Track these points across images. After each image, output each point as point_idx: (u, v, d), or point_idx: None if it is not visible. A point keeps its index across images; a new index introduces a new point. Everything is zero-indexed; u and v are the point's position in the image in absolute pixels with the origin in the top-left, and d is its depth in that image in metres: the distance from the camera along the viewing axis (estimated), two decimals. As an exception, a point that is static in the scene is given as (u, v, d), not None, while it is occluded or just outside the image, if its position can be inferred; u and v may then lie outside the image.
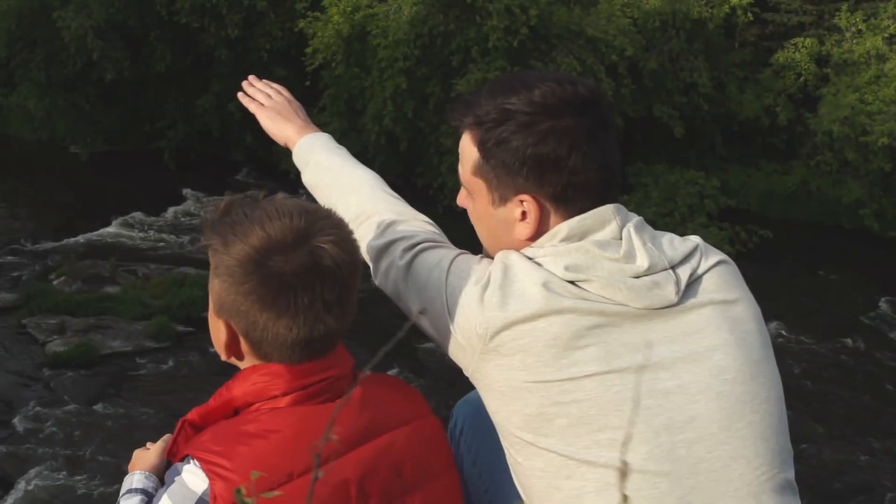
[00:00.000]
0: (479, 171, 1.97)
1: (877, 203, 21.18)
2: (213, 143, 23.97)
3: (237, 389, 1.89)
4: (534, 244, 1.94)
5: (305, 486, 1.78)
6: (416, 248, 2.10)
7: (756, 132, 22.83)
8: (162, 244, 19.09)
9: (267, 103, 2.56)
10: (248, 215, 1.86)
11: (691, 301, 1.90)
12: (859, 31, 22.11)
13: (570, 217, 1.93)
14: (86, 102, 23.38)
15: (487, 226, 2.03)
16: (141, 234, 19.51)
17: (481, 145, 1.95)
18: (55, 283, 17.12)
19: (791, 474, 1.93)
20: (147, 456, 2.09)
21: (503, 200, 1.97)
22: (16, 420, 13.13)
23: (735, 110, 22.46)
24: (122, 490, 1.97)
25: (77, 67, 22.33)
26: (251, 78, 2.63)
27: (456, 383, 2.30)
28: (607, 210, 1.92)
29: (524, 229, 1.96)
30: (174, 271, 16.83)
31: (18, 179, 22.41)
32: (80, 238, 19.32)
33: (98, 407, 13.43)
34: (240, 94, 2.59)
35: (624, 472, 1.80)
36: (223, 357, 1.96)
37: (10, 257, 18.27)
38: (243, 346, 1.91)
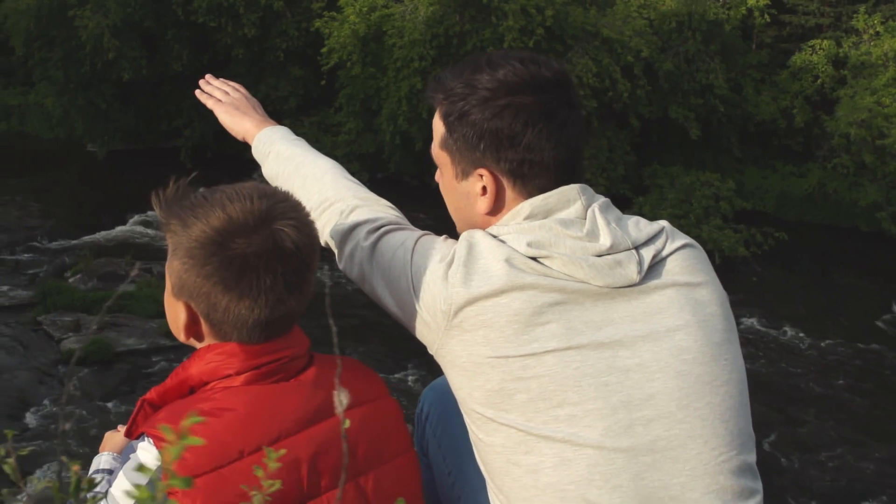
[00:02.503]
0: (444, 145, 2.02)
1: (893, 206, 21.09)
2: (229, 141, 23.76)
3: (193, 368, 1.91)
4: (498, 222, 1.98)
5: (254, 464, 1.77)
6: (381, 230, 2.13)
7: (772, 134, 22.78)
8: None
9: (224, 99, 2.56)
10: (207, 198, 1.87)
11: (654, 282, 1.92)
12: (877, 33, 22.02)
13: (529, 194, 1.97)
14: (103, 101, 23.46)
15: (453, 200, 2.08)
16: (156, 233, 19.55)
17: (445, 118, 2.00)
18: (71, 280, 17.19)
19: (751, 458, 1.94)
20: (116, 438, 2.13)
21: (465, 174, 2.01)
22: (30, 417, 13.19)
23: (751, 112, 22.40)
24: (90, 471, 1.99)
25: (94, 67, 22.41)
26: (208, 76, 2.64)
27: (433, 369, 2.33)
28: (572, 189, 1.95)
29: (483, 204, 2.00)
30: (190, 269, 16.84)
31: (36, 177, 22.51)
32: (96, 236, 19.39)
33: (112, 404, 13.48)
34: (197, 92, 2.60)
35: (580, 447, 1.83)
36: (182, 339, 1.97)
37: (26, 255, 18.36)
38: (203, 327, 1.92)
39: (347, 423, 1.86)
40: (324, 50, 21.56)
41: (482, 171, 1.98)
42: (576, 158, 1.97)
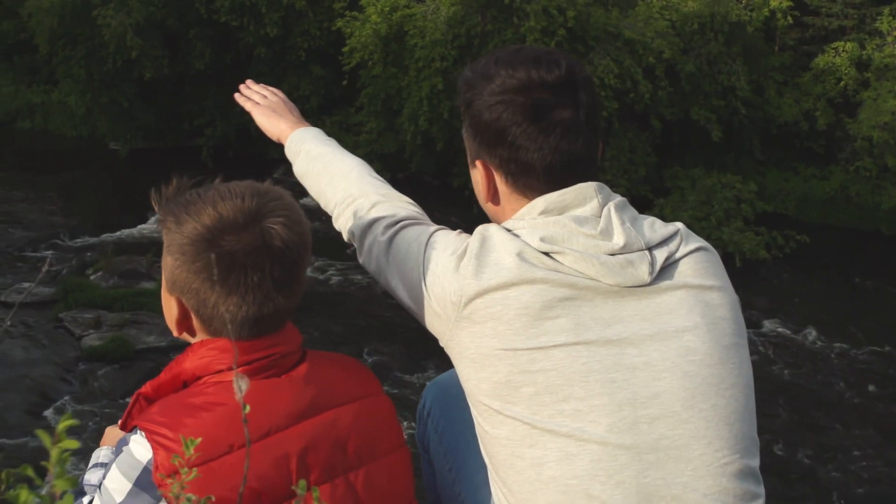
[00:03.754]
0: (463, 131, 2.09)
1: (916, 209, 21.00)
2: (250, 141, 24.06)
3: (186, 363, 1.94)
4: (514, 217, 2.00)
5: (243, 458, 1.82)
6: (397, 225, 2.17)
7: (795, 136, 22.68)
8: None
9: (262, 102, 2.66)
10: (200, 195, 1.91)
11: (666, 283, 1.93)
12: (901, 35, 21.92)
13: (521, 192, 2.00)
14: (125, 100, 23.56)
15: (474, 185, 2.12)
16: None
17: (462, 105, 2.06)
18: (92, 278, 17.28)
19: (754, 463, 1.95)
20: (116, 432, 2.14)
21: (472, 162, 2.07)
22: (50, 413, 13.26)
23: (774, 114, 22.30)
24: (90, 464, 2.01)
25: (117, 65, 22.51)
26: (248, 81, 2.75)
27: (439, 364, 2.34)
28: (588, 187, 1.96)
29: (481, 193, 2.07)
30: (210, 269, 16.88)
31: (59, 175, 22.64)
32: (118, 234, 19.50)
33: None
34: (236, 95, 2.70)
35: (584, 442, 1.84)
36: (175, 333, 2.01)
37: (48, 252, 18.47)
38: (194, 322, 1.96)
39: None
40: (345, 49, 21.59)
41: (479, 162, 2.04)
42: (569, 162, 1.96)
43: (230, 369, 1.91)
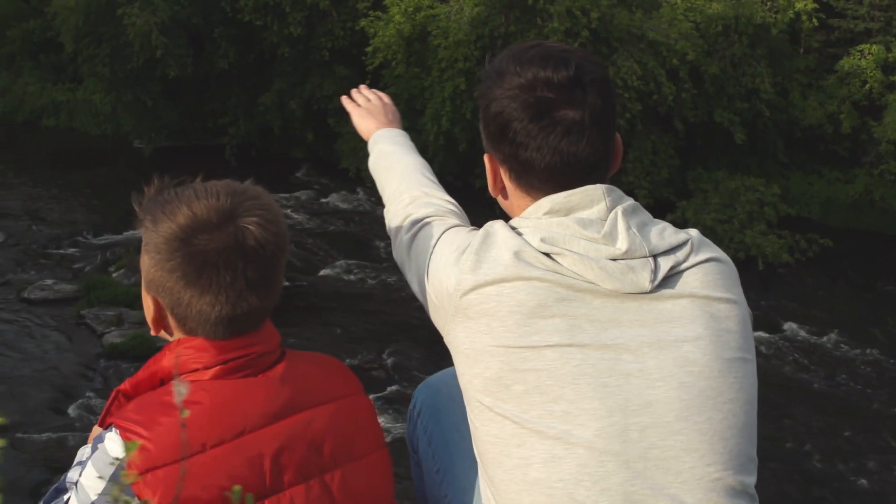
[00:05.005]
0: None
1: (942, 214, 20.85)
2: (274, 140, 24.17)
3: (164, 361, 1.95)
4: (522, 214, 2.00)
5: (216, 457, 1.83)
6: (422, 221, 2.20)
7: (819, 139, 22.55)
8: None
9: (363, 105, 2.76)
10: (177, 195, 1.93)
11: (669, 291, 1.90)
12: (928, 38, 21.78)
13: (525, 191, 2.00)
14: (149, 98, 23.65)
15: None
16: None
17: (476, 99, 2.06)
18: (114, 275, 17.36)
19: (749, 480, 1.91)
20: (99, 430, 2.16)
21: (485, 153, 2.08)
22: (71, 410, 13.33)
23: (798, 117, 22.18)
24: (74, 462, 2.03)
25: (141, 63, 22.60)
26: (361, 87, 2.87)
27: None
28: (597, 189, 1.94)
29: (490, 186, 2.08)
30: (231, 267, 16.95)
31: (83, 173, 22.76)
32: (141, 232, 19.56)
33: (154, 399, 13.59)
34: (343, 98, 2.85)
35: (571, 445, 1.82)
36: (152, 331, 2.03)
37: (71, 249, 18.57)
38: (170, 321, 1.98)
39: None
40: (368, 49, 21.62)
41: (487, 156, 2.06)
42: (571, 163, 1.94)
43: (206, 368, 1.92)
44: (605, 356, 1.85)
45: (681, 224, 19.83)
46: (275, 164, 23.60)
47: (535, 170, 1.95)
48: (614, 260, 1.88)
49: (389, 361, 14.69)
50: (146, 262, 1.94)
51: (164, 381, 1.96)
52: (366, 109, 2.76)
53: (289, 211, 21.23)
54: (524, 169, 1.97)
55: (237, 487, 1.33)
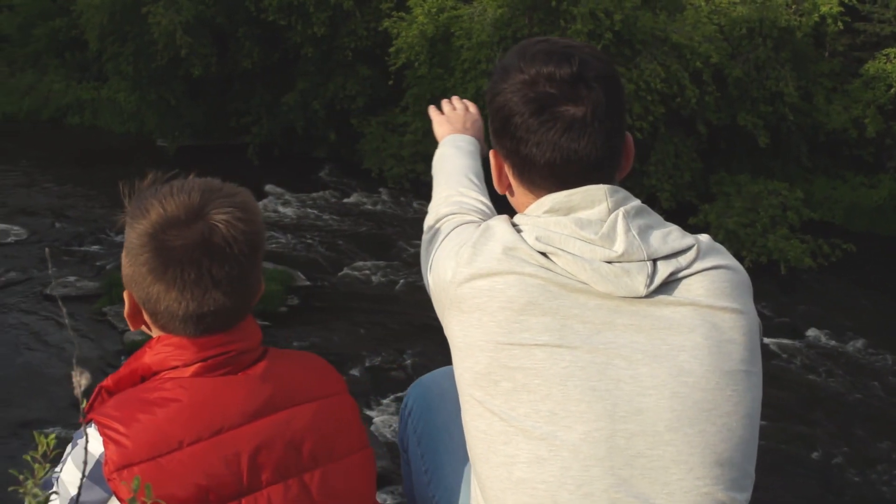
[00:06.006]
0: None
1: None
2: (296, 140, 24.21)
3: (145, 358, 1.97)
4: (525, 211, 1.99)
5: (193, 455, 1.83)
6: (444, 217, 2.21)
7: (843, 144, 22.42)
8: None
9: (447, 113, 2.81)
10: (156, 192, 1.95)
11: (670, 297, 1.86)
12: (954, 42, 21.63)
13: (527, 188, 1.99)
14: (173, 97, 23.75)
15: None
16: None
17: (485, 93, 2.05)
18: (137, 273, 17.40)
19: (742, 497, 1.85)
20: None
21: (490, 149, 2.08)
22: (94, 406, 13.37)
23: (822, 121, 22.05)
24: (64, 455, 2.05)
25: (165, 62, 22.70)
26: (453, 98, 2.94)
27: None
28: (599, 190, 1.91)
29: (494, 182, 2.08)
30: (253, 265, 17.00)
31: (106, 171, 22.82)
32: (164, 230, 19.62)
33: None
34: (431, 107, 2.91)
35: (556, 447, 1.79)
36: (131, 327, 2.06)
37: (94, 246, 18.66)
38: (145, 316, 2.00)
39: None
40: (392, 50, 21.63)
41: (492, 151, 2.06)
42: (572, 161, 1.92)
43: (186, 365, 1.93)
44: (596, 359, 1.82)
45: (702, 228, 19.74)
46: (297, 163, 23.66)
47: (536, 166, 1.94)
48: (609, 262, 1.85)
49: (409, 362, 14.70)
50: (123, 257, 1.97)
51: (144, 377, 1.97)
52: (445, 117, 2.78)
53: (310, 210, 21.28)
54: (525, 165, 1.95)
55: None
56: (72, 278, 16.69)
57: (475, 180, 2.42)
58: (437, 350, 14.60)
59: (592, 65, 1.92)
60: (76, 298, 16.13)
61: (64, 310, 15.27)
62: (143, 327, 2.04)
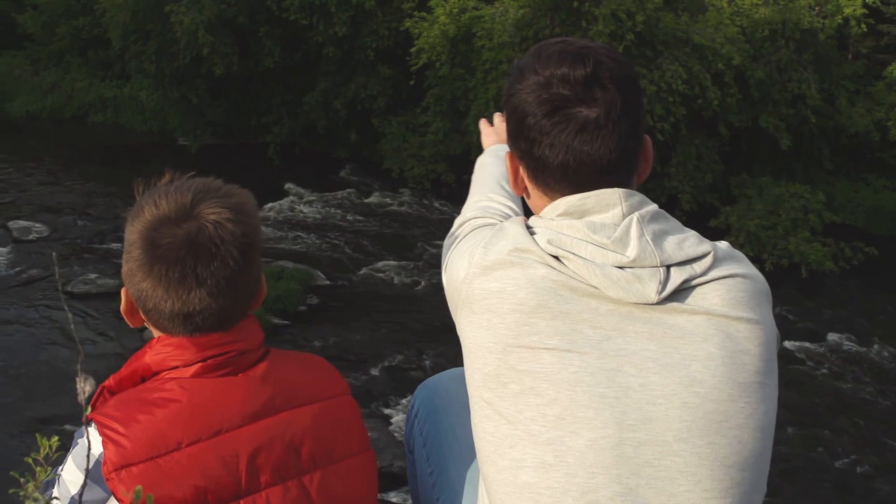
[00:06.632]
0: None
1: None
2: (317, 139, 24.25)
3: (145, 358, 1.97)
4: (540, 214, 1.97)
5: (192, 455, 1.83)
6: (467, 220, 2.21)
7: (866, 147, 22.30)
8: (262, 237, 19.37)
9: (496, 123, 2.78)
10: (156, 191, 1.99)
11: (684, 306, 1.82)
12: (978, 45, 21.47)
13: (542, 191, 1.97)
14: (195, 96, 23.84)
15: None
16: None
17: (502, 95, 2.04)
18: (158, 271, 17.45)
19: None
20: None
21: (507, 151, 2.06)
22: (114, 404, 13.43)
23: (844, 123, 21.92)
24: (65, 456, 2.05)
25: (187, 61, 22.78)
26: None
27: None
28: (613, 193, 1.88)
29: (511, 184, 2.07)
30: (273, 264, 17.06)
31: (128, 169, 22.91)
32: (185, 228, 19.68)
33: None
34: (482, 119, 2.89)
35: (562, 453, 1.77)
36: (130, 324, 2.06)
37: (115, 244, 18.73)
38: (141, 314, 2.01)
39: None
40: (413, 50, 21.63)
41: (508, 153, 2.04)
42: (585, 163, 1.89)
43: (186, 365, 1.93)
44: (606, 366, 1.79)
45: (723, 230, 19.65)
46: (318, 163, 23.69)
47: (549, 168, 1.91)
48: (621, 268, 1.82)
49: (428, 363, 14.70)
50: (123, 255, 2.00)
51: (144, 378, 1.97)
52: (493, 128, 2.76)
53: (331, 210, 21.30)
54: (539, 166, 1.93)
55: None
56: (93, 276, 16.76)
57: (507, 187, 2.39)
58: (457, 351, 14.50)
59: (607, 66, 1.90)
60: (97, 296, 16.20)
61: (70, 315, 15.30)
62: (148, 325, 2.05)
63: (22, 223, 19.27)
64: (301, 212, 21.14)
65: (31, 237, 18.76)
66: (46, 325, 15.37)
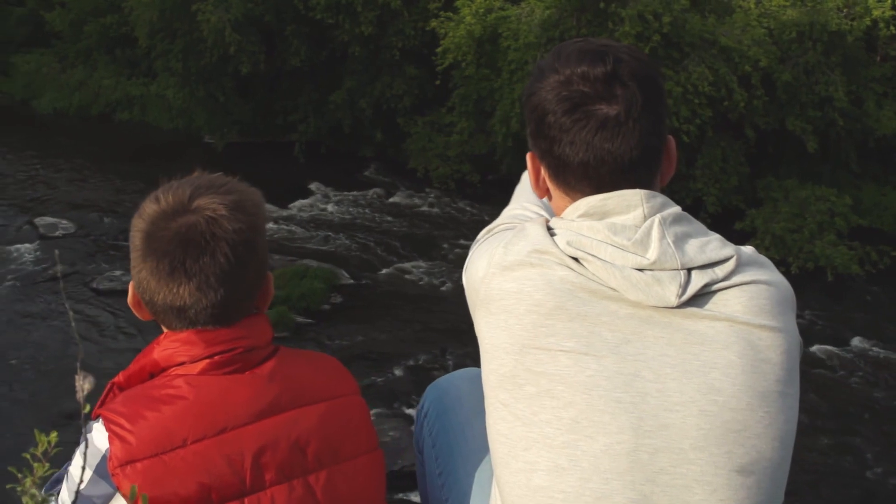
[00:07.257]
0: None
1: None
2: (343, 138, 24.27)
3: (153, 354, 1.99)
4: (561, 214, 1.96)
5: (197, 453, 1.84)
6: (494, 228, 2.19)
7: (893, 150, 22.13)
8: (286, 236, 19.42)
9: None
10: (166, 186, 2.02)
11: (705, 311, 1.79)
12: None
13: (564, 191, 1.96)
14: (221, 94, 23.92)
15: None
16: (267, 226, 19.84)
17: (522, 94, 2.04)
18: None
19: None
20: None
21: (528, 151, 2.05)
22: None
23: (872, 126, 21.75)
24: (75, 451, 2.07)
25: (213, 60, 22.86)
26: None
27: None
28: (635, 195, 1.86)
29: (532, 185, 2.06)
30: (297, 263, 17.09)
31: (155, 166, 23.00)
32: (209, 226, 19.75)
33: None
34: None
35: (577, 458, 1.76)
36: (138, 316, 2.11)
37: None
38: (145, 307, 2.06)
39: None
40: (439, 50, 21.63)
41: (529, 153, 2.03)
42: (606, 161, 1.88)
43: (192, 362, 1.94)
44: (623, 370, 1.77)
45: (749, 233, 19.56)
46: (343, 162, 23.72)
47: (570, 166, 1.90)
48: (641, 270, 1.79)
49: (451, 363, 14.70)
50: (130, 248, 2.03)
51: (153, 374, 1.98)
52: None
53: (355, 209, 21.33)
54: (559, 165, 1.93)
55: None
56: (118, 272, 16.84)
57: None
58: (479, 351, 14.60)
59: (627, 63, 1.89)
60: (121, 293, 16.25)
61: (71, 312, 15.39)
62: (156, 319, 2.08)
63: (48, 220, 19.40)
64: (326, 210, 21.17)
65: (57, 234, 18.87)
66: (67, 320, 15.45)
